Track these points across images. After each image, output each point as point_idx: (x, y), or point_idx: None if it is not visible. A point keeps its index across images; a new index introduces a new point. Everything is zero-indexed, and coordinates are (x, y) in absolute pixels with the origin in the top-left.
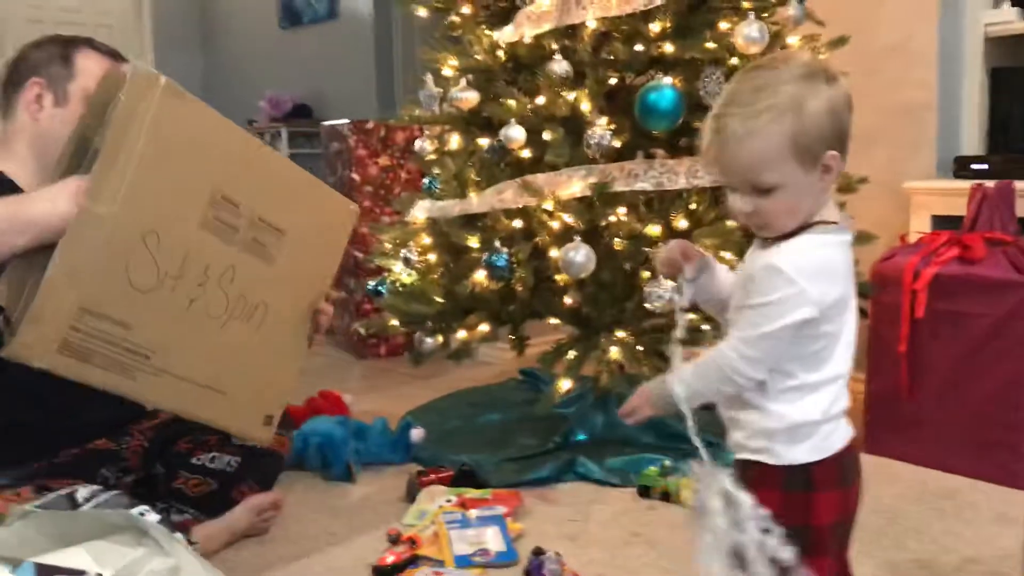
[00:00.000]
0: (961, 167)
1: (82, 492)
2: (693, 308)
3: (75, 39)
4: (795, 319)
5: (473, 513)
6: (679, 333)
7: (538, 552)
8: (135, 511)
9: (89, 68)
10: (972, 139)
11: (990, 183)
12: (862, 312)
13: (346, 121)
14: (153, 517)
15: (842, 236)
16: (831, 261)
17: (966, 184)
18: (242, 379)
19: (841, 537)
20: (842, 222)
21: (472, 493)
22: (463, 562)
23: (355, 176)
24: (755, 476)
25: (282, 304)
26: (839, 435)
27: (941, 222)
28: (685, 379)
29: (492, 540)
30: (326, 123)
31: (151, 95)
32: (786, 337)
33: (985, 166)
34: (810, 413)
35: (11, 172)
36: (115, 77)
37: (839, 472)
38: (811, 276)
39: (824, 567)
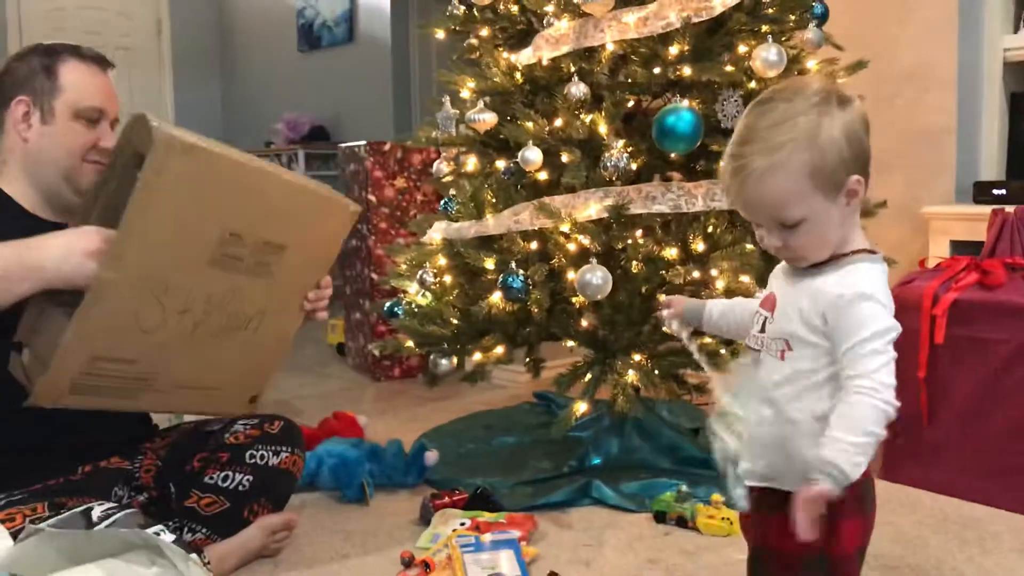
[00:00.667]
0: (980, 192)
1: (97, 510)
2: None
3: (57, 48)
4: (895, 336)
5: (487, 537)
6: (701, 361)
7: None
8: (151, 531)
9: (74, 81)
10: (991, 164)
11: (1010, 208)
12: None
13: (363, 143)
14: (168, 537)
15: (882, 264)
16: (887, 289)
17: (986, 209)
18: (235, 374)
19: (862, 564)
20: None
21: (486, 516)
22: None
23: (372, 197)
24: (776, 502)
25: (278, 306)
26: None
27: (960, 247)
28: (852, 449)
29: (506, 564)
30: (343, 144)
31: (174, 163)
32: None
33: (1004, 191)
34: None
35: (11, 192)
36: (140, 128)
37: (861, 499)
38: (888, 297)
39: None
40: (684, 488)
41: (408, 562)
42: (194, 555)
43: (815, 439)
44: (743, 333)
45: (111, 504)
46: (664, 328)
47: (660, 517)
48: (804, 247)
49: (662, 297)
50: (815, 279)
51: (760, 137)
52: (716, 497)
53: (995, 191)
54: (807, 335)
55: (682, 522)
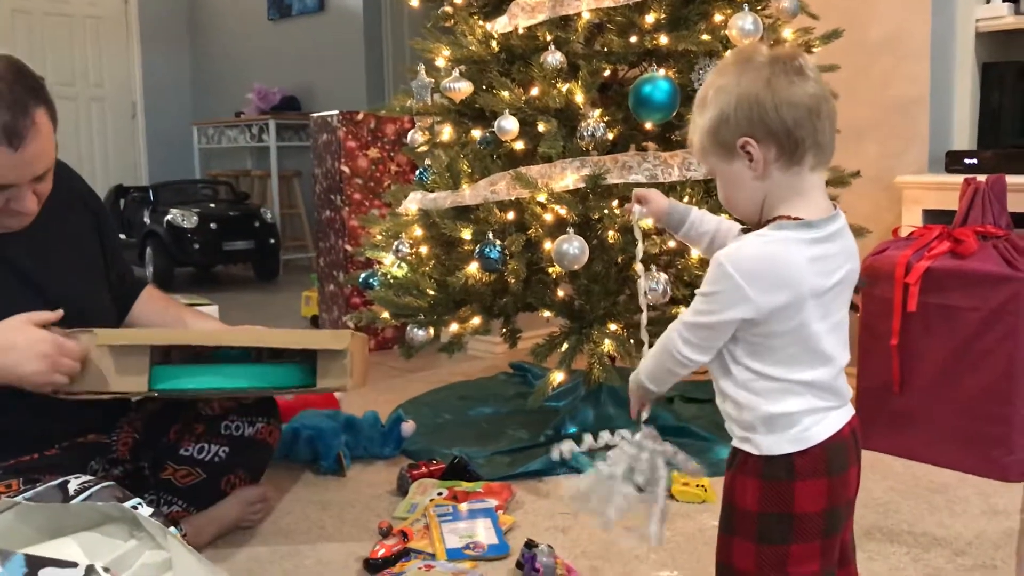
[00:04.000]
0: (953, 161)
1: (74, 483)
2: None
3: None
4: (732, 316)
5: (464, 506)
6: (638, 255)
7: (530, 545)
8: (128, 504)
9: None
10: (964, 134)
11: (981, 177)
12: (853, 306)
13: (335, 112)
14: (146, 510)
15: (802, 232)
16: (780, 262)
17: (958, 178)
18: None
19: (834, 522)
20: (819, 215)
21: (463, 486)
22: (455, 555)
23: (345, 168)
24: (740, 463)
25: None
26: (826, 425)
27: (933, 216)
28: (646, 366)
29: (484, 533)
30: (315, 114)
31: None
32: (725, 330)
33: (976, 161)
34: (787, 407)
35: None
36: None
37: (825, 462)
38: (750, 276)
39: (814, 552)
40: None
41: (386, 532)
42: (172, 528)
43: (732, 402)
44: None
45: (87, 477)
46: (631, 219)
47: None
48: (724, 200)
49: (636, 190)
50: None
51: (698, 95)
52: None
53: (967, 160)
54: None
55: None
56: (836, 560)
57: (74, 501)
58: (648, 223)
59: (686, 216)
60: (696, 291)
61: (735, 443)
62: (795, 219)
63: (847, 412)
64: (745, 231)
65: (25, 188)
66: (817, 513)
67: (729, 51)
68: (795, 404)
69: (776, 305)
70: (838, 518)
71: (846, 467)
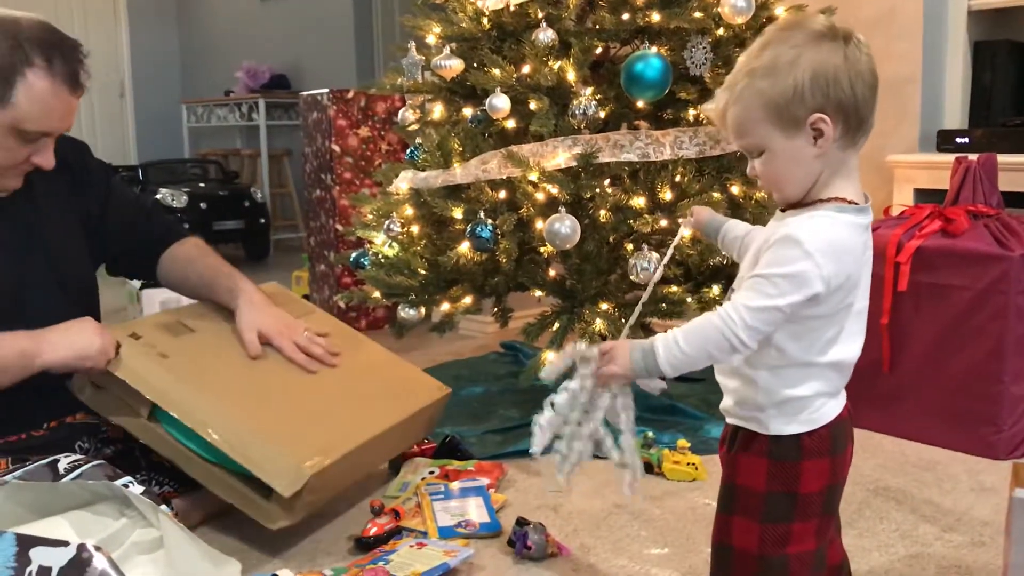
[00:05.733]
0: (944, 140)
1: (64, 462)
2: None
3: (33, 45)
4: (805, 295)
5: (456, 485)
6: (665, 258)
7: (522, 522)
8: (119, 482)
9: (30, 100)
10: (955, 112)
11: (973, 156)
12: None
13: (325, 91)
14: (137, 489)
15: (859, 218)
16: (844, 242)
17: (949, 157)
18: None
19: (832, 500)
20: (862, 202)
21: (455, 464)
22: (447, 533)
23: (335, 147)
24: (743, 441)
25: None
26: (832, 406)
27: (924, 195)
28: (674, 343)
29: (475, 511)
30: (305, 93)
31: None
32: (791, 312)
33: (967, 139)
34: (802, 391)
35: None
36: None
37: (830, 441)
38: (825, 255)
39: (812, 530)
40: (650, 435)
41: (378, 511)
42: (163, 507)
43: (747, 382)
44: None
45: (78, 456)
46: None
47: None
48: (768, 178)
49: (694, 207)
50: (781, 222)
51: (740, 64)
52: (682, 443)
53: (958, 139)
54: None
55: (648, 468)
56: (827, 539)
57: (64, 480)
58: (687, 233)
59: (722, 224)
60: (758, 274)
61: (737, 422)
62: (851, 203)
63: (844, 392)
64: (783, 211)
65: (52, 141)
66: (819, 492)
67: (783, 18)
68: (812, 388)
69: (838, 284)
70: (836, 497)
71: (846, 446)
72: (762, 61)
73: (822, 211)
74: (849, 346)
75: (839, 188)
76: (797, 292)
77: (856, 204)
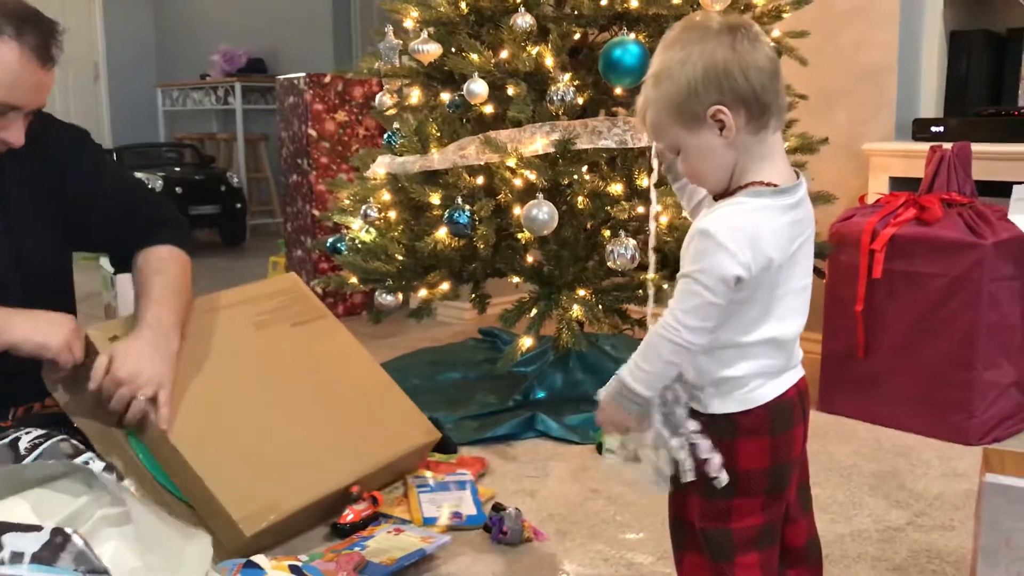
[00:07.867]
0: (919, 129)
1: (24, 440)
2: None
3: (3, 16)
4: (729, 283)
5: (443, 477)
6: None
7: (498, 508)
8: (80, 459)
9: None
10: (930, 101)
11: (947, 145)
12: (819, 272)
13: (302, 75)
14: (98, 465)
15: (777, 199)
16: (758, 226)
17: (924, 146)
18: None
19: (779, 479)
20: (787, 182)
21: (437, 457)
22: (432, 523)
23: (312, 131)
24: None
25: None
26: (771, 387)
27: (899, 183)
28: (636, 368)
29: (462, 503)
30: (281, 77)
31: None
32: (723, 300)
33: (942, 128)
34: (735, 371)
35: None
36: None
37: (768, 421)
38: (738, 240)
39: (756, 506)
40: None
41: (356, 497)
42: (126, 481)
43: (689, 364)
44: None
45: (38, 432)
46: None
47: (603, 448)
48: (690, 174)
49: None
50: (706, 213)
51: (650, 70)
52: None
53: (933, 128)
54: None
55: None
56: (781, 515)
57: (26, 460)
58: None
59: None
60: (683, 274)
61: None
62: (769, 185)
63: (796, 374)
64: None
65: (23, 118)
66: (761, 470)
67: (681, 20)
68: (746, 368)
69: (758, 268)
70: (782, 476)
71: (790, 426)
72: (660, 66)
73: (736, 198)
74: (784, 324)
75: (758, 172)
76: (720, 283)
77: (774, 186)
